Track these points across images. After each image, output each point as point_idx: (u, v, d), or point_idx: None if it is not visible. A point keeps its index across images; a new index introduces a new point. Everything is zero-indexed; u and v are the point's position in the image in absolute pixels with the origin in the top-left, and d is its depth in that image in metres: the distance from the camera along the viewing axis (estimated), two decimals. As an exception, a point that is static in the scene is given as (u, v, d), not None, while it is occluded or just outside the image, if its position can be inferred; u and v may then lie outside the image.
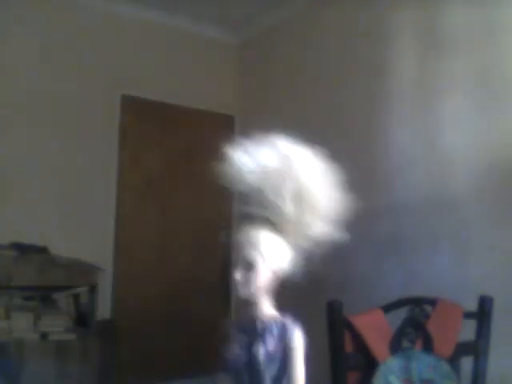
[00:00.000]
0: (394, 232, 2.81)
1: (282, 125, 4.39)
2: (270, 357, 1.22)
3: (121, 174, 3.76)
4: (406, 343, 1.51)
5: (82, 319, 3.03)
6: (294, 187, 1.24)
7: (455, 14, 2.59)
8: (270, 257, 1.25)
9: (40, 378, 2.67)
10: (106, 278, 3.44)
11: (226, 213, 4.22)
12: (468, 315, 1.65)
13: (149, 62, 3.91)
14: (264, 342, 1.23)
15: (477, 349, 1.64)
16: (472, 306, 1.68)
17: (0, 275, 2.72)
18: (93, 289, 3.04)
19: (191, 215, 4.04)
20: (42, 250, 3.08)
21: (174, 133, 4.04)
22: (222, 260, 4.18)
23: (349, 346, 1.46)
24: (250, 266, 1.24)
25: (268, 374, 1.22)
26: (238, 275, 1.24)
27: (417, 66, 2.79)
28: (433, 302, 1.58)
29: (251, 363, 1.24)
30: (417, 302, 1.56)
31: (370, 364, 1.46)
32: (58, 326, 2.85)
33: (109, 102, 3.73)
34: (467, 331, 1.63)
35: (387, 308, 1.53)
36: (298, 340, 1.22)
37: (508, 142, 2.31)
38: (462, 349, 1.60)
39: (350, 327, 1.47)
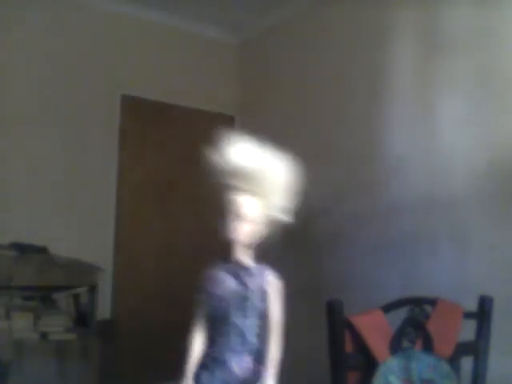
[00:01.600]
0: (393, 232, 2.81)
1: (282, 125, 4.41)
2: (252, 294, 1.45)
3: (121, 173, 3.76)
4: (406, 343, 1.51)
5: (81, 319, 3.03)
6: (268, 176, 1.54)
7: (455, 14, 2.59)
8: (253, 213, 1.51)
9: (40, 378, 2.67)
10: (105, 278, 3.44)
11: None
12: (468, 315, 1.65)
13: (149, 62, 3.91)
14: (247, 280, 1.47)
15: (477, 349, 1.64)
16: (472, 306, 1.68)
17: (0, 275, 2.72)
18: (93, 289, 3.04)
19: (191, 215, 4.04)
20: (42, 250, 3.08)
21: (174, 133, 4.04)
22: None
23: (349, 346, 1.46)
24: (241, 218, 1.49)
25: (251, 307, 1.45)
26: (231, 222, 1.50)
27: (417, 65, 2.80)
28: (433, 302, 1.58)
29: (235, 294, 1.45)
30: (417, 302, 1.56)
31: (370, 364, 1.46)
32: (58, 325, 2.85)
33: (109, 102, 3.73)
34: (467, 331, 1.63)
35: (387, 308, 1.53)
36: (274, 283, 1.48)
37: (508, 142, 2.31)
38: (462, 349, 1.60)
39: (350, 327, 1.47)
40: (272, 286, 1.47)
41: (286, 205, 1.54)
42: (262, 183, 1.52)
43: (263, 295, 1.45)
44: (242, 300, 1.45)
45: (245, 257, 1.53)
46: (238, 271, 1.49)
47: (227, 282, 1.49)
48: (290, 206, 1.55)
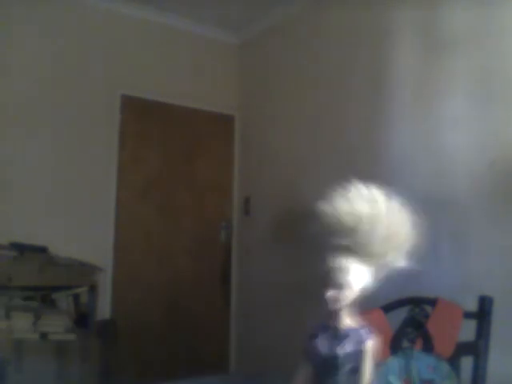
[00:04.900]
0: (393, 232, 2.81)
1: (282, 124, 4.41)
2: (346, 357, 1.45)
3: (121, 173, 3.75)
4: (405, 343, 1.51)
5: (81, 319, 3.03)
6: (382, 228, 1.56)
7: (455, 14, 2.59)
8: (356, 280, 1.49)
9: (40, 378, 2.67)
10: (106, 278, 3.44)
11: (226, 213, 4.23)
12: (468, 315, 1.65)
13: (149, 62, 3.91)
14: (343, 344, 1.46)
15: (477, 349, 1.64)
16: (472, 306, 1.68)
17: (0, 275, 2.72)
18: (93, 289, 3.04)
19: (191, 215, 4.04)
20: (42, 250, 3.07)
21: (174, 133, 4.04)
22: (222, 260, 4.19)
23: (349, 346, 1.46)
24: (340, 287, 1.48)
25: (343, 370, 1.45)
26: (330, 293, 1.48)
27: (417, 66, 2.79)
28: (433, 302, 1.58)
29: (330, 359, 1.47)
30: (417, 302, 1.56)
31: (370, 364, 1.46)
32: (58, 326, 2.85)
33: (109, 102, 3.73)
34: (467, 331, 1.63)
35: (387, 308, 1.53)
36: (369, 344, 1.45)
37: (508, 142, 2.31)
38: (462, 349, 1.60)
39: (350, 327, 1.46)
40: (367, 347, 1.46)
41: (399, 254, 1.54)
42: (376, 241, 1.51)
43: (357, 355, 1.46)
44: (333, 367, 1.47)
45: (343, 319, 1.51)
46: (333, 338, 1.51)
47: (321, 349, 1.51)
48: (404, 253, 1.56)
